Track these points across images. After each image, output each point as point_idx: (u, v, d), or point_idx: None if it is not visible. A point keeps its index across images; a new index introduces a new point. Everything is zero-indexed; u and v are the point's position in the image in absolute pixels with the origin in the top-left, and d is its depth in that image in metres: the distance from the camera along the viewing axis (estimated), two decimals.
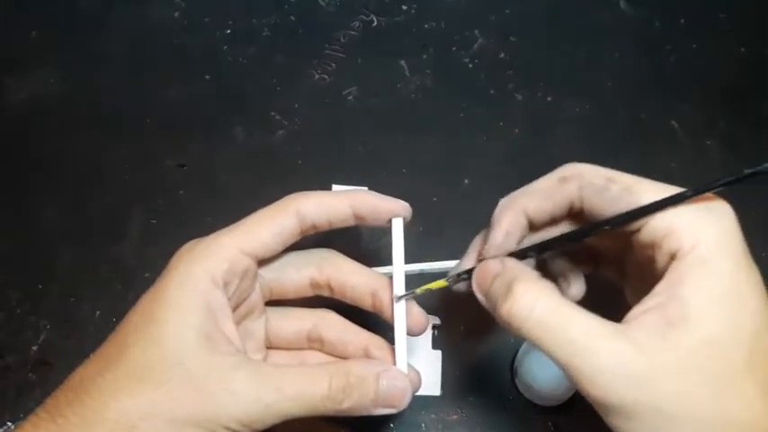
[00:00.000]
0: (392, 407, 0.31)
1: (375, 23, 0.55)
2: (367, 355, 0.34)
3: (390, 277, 0.34)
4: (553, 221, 0.32)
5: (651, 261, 0.27)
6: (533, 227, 0.32)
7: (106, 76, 0.53)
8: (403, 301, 0.33)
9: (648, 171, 0.46)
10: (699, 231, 0.26)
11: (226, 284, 0.31)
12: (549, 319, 0.27)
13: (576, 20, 0.55)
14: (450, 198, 0.46)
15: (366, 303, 0.35)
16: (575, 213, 0.31)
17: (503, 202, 0.32)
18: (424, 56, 0.53)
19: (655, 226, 0.27)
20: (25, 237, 0.45)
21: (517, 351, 0.39)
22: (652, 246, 0.27)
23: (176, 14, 0.56)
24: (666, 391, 0.25)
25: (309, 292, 0.35)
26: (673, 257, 0.26)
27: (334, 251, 0.36)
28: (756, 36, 0.53)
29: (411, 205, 0.45)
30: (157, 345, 0.29)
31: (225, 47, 0.54)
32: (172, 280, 0.30)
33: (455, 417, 0.38)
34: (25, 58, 0.54)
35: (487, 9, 0.56)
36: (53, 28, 0.56)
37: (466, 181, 0.47)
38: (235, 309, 0.32)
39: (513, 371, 0.39)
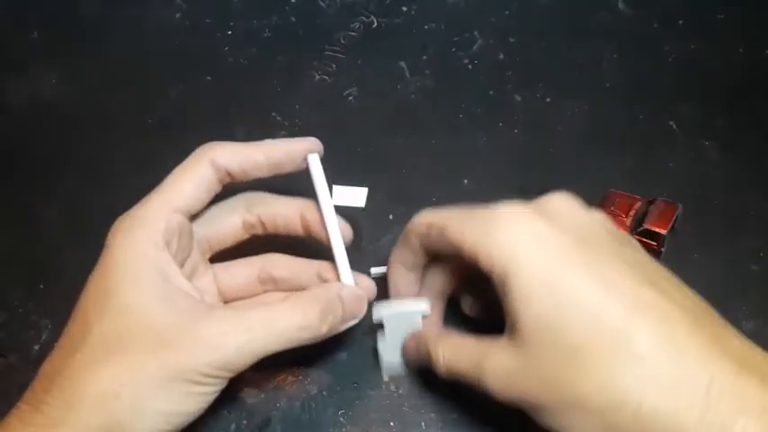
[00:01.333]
0: (355, 318, 0.34)
1: (375, 24, 0.55)
2: (320, 279, 0.36)
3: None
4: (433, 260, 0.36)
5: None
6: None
7: (107, 77, 0.53)
8: (334, 215, 0.35)
9: (647, 171, 0.47)
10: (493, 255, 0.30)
11: (167, 244, 0.32)
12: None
13: (574, 21, 0.55)
14: (450, 198, 0.46)
15: (297, 228, 0.36)
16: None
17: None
18: (424, 57, 0.53)
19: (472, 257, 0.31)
20: (26, 236, 0.45)
21: None
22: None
23: (177, 15, 0.56)
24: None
25: (245, 235, 0.37)
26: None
27: (257, 191, 0.37)
28: (755, 36, 0.54)
29: (411, 205, 0.46)
30: (119, 316, 0.29)
31: (226, 48, 0.54)
32: (116, 252, 0.31)
33: (455, 416, 0.38)
34: (25, 58, 0.54)
35: (487, 10, 0.56)
36: (54, 28, 0.56)
37: (466, 181, 0.47)
38: (180, 268, 0.33)
39: None
